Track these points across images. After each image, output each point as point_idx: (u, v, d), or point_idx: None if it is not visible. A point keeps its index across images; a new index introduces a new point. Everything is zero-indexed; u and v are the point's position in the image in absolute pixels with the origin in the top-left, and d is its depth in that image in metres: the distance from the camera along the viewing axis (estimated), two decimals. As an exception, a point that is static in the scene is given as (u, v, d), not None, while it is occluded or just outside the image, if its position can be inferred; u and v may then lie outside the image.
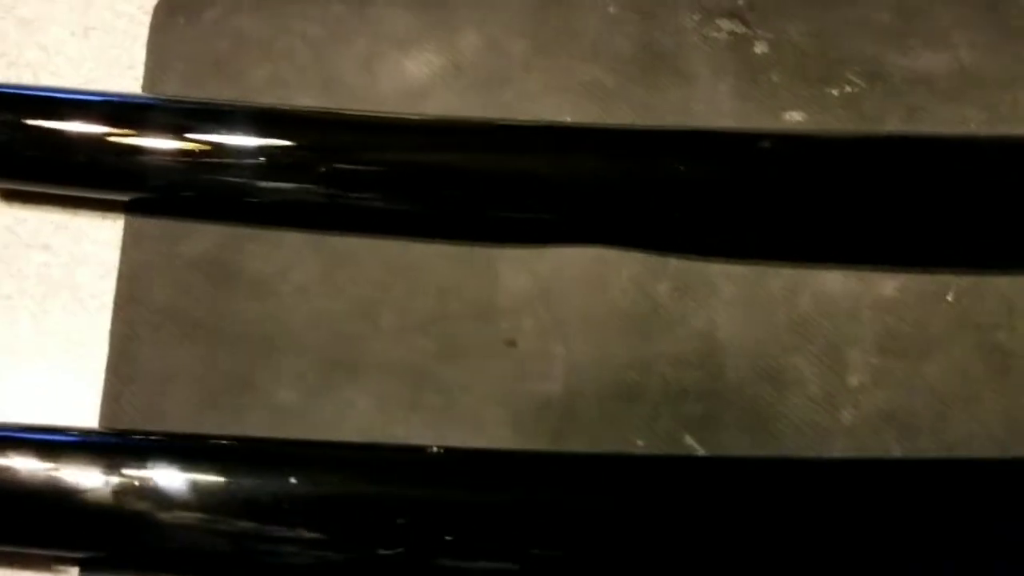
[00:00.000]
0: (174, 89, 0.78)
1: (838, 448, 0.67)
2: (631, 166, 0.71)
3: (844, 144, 0.73)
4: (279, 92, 0.77)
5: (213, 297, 0.71)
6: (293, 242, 0.72)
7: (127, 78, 0.79)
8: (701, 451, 0.66)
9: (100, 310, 0.71)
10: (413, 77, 0.78)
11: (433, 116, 0.75)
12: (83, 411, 0.68)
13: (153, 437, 0.61)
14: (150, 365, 0.69)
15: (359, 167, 0.70)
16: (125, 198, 0.73)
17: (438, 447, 0.61)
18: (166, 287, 0.71)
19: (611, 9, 0.80)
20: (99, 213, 0.74)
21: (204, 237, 0.72)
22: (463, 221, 0.72)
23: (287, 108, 0.74)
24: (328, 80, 0.78)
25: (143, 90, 0.78)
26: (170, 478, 0.58)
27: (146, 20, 0.80)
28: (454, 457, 0.61)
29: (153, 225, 0.73)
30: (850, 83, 0.80)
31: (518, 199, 0.70)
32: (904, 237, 0.72)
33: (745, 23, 0.81)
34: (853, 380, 0.69)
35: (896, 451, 0.67)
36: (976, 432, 0.68)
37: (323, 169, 0.69)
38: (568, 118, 0.76)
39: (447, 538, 0.57)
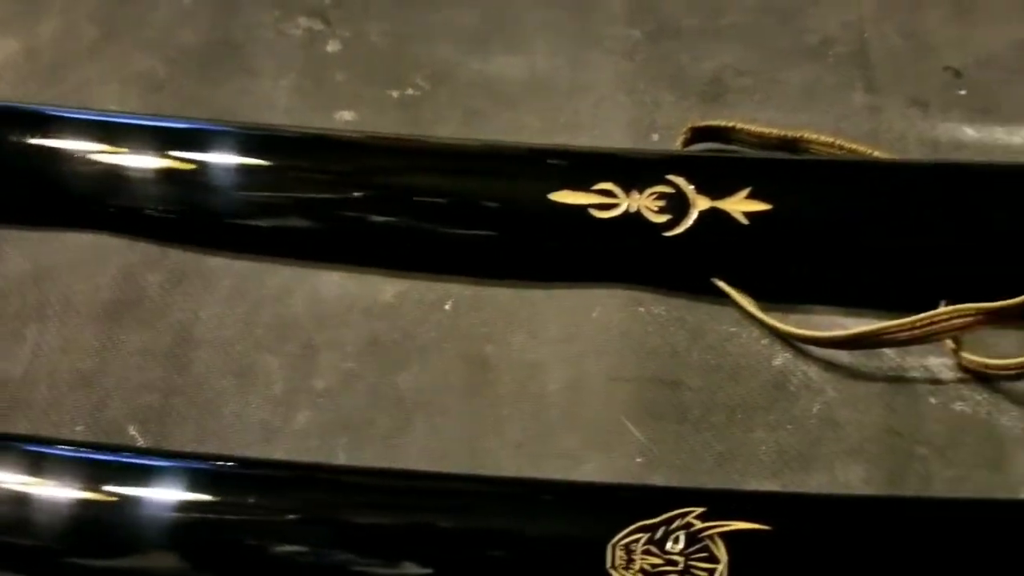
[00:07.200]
0: None
1: (281, 450, 0.65)
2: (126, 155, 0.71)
3: (359, 145, 0.72)
4: None
5: None
6: None
7: None
8: (141, 442, 0.66)
9: None
10: (-17, 61, 0.80)
11: None
12: None
13: None
14: None
15: None
16: None
17: None
18: None
19: (186, 1, 0.81)
20: None
21: None
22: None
23: None
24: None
25: None
26: None
27: None
28: None
29: None
30: (415, 86, 0.78)
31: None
32: (404, 241, 0.70)
33: (326, 21, 0.80)
34: (319, 383, 0.67)
35: (342, 459, 0.65)
36: (434, 447, 0.65)
37: None
38: (114, 107, 0.77)
39: None
